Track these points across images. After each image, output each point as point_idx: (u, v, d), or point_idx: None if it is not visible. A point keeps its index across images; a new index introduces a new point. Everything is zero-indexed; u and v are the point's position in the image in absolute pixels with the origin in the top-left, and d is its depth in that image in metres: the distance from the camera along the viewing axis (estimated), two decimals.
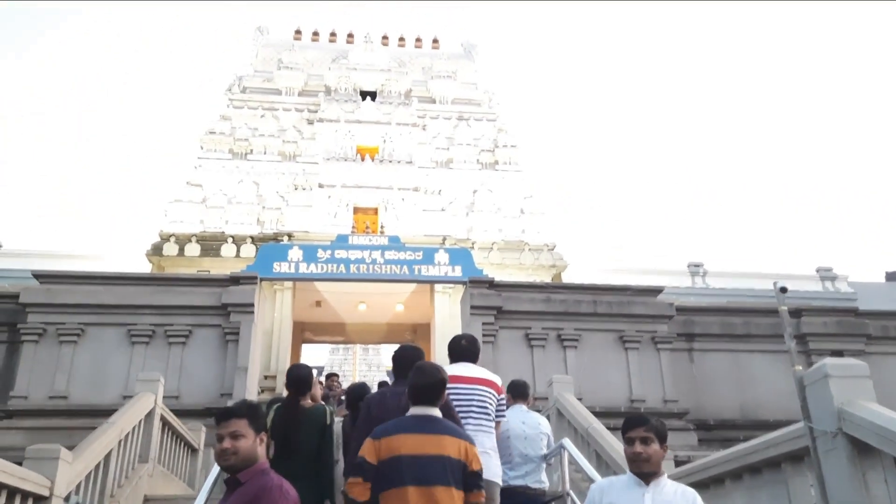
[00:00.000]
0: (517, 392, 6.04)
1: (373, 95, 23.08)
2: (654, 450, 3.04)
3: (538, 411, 7.49)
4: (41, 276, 11.41)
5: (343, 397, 7.51)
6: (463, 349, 4.82)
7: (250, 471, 2.75)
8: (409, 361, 3.99)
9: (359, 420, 4.06)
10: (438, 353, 15.48)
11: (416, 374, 3.57)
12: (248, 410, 2.86)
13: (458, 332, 13.27)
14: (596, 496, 3.10)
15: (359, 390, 5.60)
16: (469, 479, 3.31)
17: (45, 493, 4.95)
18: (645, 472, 3.02)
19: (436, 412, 3.48)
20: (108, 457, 6.40)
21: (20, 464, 4.80)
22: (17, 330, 10.91)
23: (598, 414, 8.16)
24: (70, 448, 5.53)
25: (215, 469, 5.38)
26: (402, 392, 3.76)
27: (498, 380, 4.77)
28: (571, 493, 5.78)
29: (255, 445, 2.80)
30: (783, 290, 3.73)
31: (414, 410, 3.48)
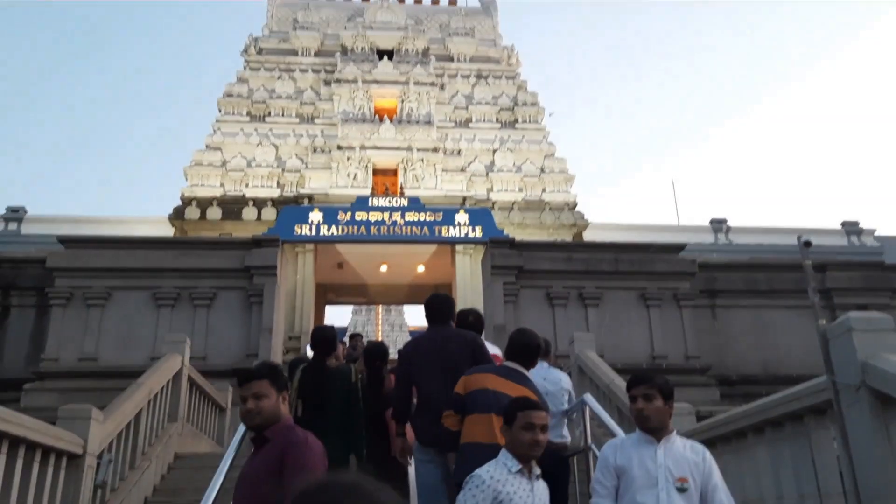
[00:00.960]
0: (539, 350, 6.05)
1: (390, 54, 22.85)
2: (656, 406, 3.04)
3: (560, 368, 7.54)
4: (67, 241, 11.58)
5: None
6: (470, 326, 4.72)
7: (275, 428, 2.83)
8: (441, 308, 4.39)
9: (397, 369, 4.46)
10: None
11: (517, 334, 4.02)
12: (268, 371, 2.94)
13: (480, 292, 13.35)
14: (609, 454, 3.13)
15: (376, 349, 5.64)
16: None
17: (79, 451, 5.09)
18: (648, 427, 3.03)
19: (526, 372, 3.88)
20: (138, 416, 6.55)
21: (53, 423, 4.94)
22: (46, 294, 11.12)
23: (619, 370, 8.19)
24: (101, 408, 5.67)
25: (242, 427, 5.49)
26: (435, 336, 4.11)
27: (499, 351, 4.76)
28: (593, 447, 5.83)
29: (278, 404, 2.88)
30: (807, 244, 3.69)
31: (507, 364, 3.91)
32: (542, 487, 3.04)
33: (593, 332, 10.80)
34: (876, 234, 21.74)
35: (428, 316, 4.46)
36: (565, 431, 5.82)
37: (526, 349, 3.92)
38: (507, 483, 2.91)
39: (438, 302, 4.44)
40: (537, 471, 3.05)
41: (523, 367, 3.91)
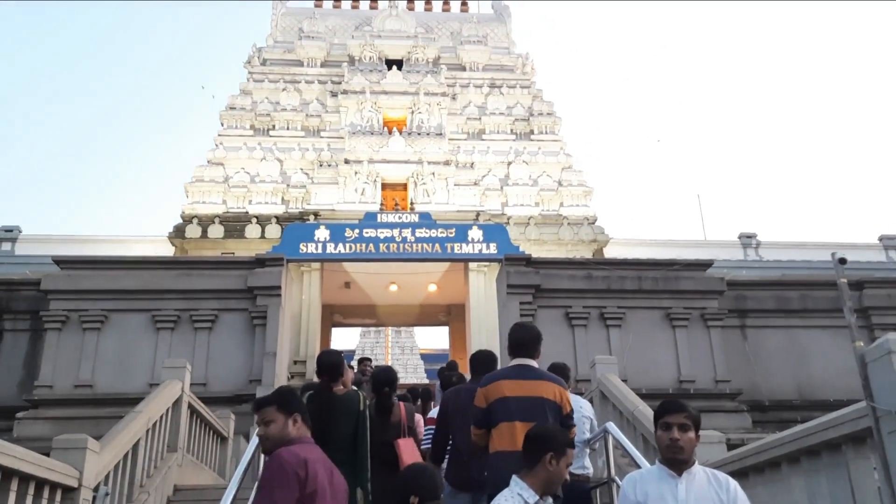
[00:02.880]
0: (557, 374, 6.03)
1: (399, 64, 23.00)
2: (689, 437, 3.03)
3: (580, 394, 7.49)
4: (62, 262, 11.67)
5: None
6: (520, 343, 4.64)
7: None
8: (485, 361, 5.00)
9: (438, 415, 5.06)
10: (474, 335, 15.54)
11: (515, 330, 4.49)
12: (275, 397, 3.26)
13: (495, 312, 13.31)
14: (629, 490, 3.10)
15: (384, 375, 5.60)
16: (564, 419, 4.15)
17: (74, 483, 5.09)
18: (679, 459, 3.01)
19: (532, 363, 4.33)
20: (136, 446, 6.55)
21: (47, 454, 4.94)
22: (40, 318, 11.20)
23: (644, 396, 8.13)
24: (97, 438, 5.67)
25: (245, 458, 5.49)
26: (474, 388, 4.47)
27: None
28: (616, 479, 5.78)
29: (286, 426, 3.17)
30: (842, 261, 3.66)
31: (514, 361, 4.33)
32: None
33: (616, 354, 10.76)
34: None
35: (472, 369, 5.10)
36: (587, 462, 5.79)
37: (528, 342, 4.39)
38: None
39: (483, 357, 5.09)
40: (549, 500, 3.13)
41: (530, 358, 4.35)
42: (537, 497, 2.99)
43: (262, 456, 5.07)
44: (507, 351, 4.47)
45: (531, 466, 3.17)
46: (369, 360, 11.47)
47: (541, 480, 3.08)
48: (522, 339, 4.41)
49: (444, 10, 26.24)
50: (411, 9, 25.44)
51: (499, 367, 4.98)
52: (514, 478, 3.15)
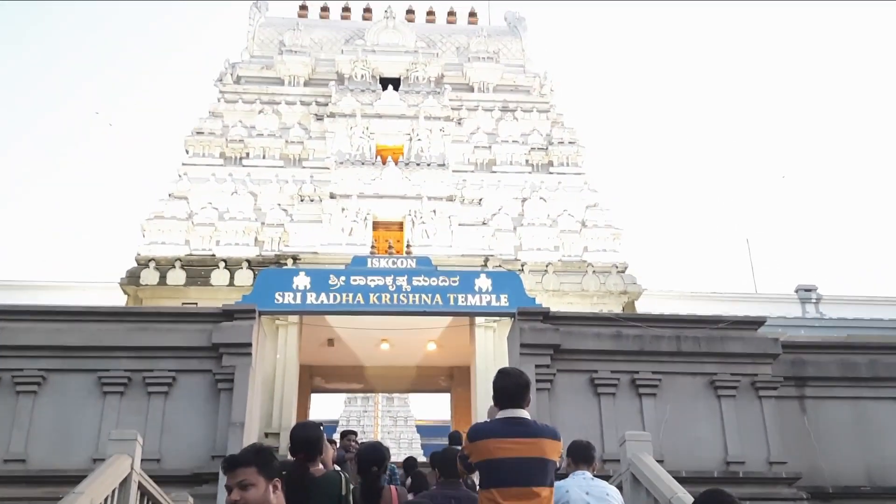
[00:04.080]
0: (579, 455, 6.01)
1: (396, 83, 23.28)
2: None
3: (607, 477, 7.41)
4: None
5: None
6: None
7: None
8: (453, 462, 5.05)
9: None
10: (480, 403, 15.44)
11: (500, 378, 4.64)
12: (255, 457, 3.23)
13: None
14: None
15: (371, 452, 5.57)
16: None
17: None
18: None
19: (524, 413, 4.51)
20: None
21: None
22: None
23: (684, 481, 8.03)
24: None
25: None
26: (453, 496, 4.80)
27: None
28: None
29: (267, 494, 3.17)
30: None
31: (503, 413, 4.50)
32: None
33: (650, 430, 10.65)
34: None
35: (441, 470, 5.32)
36: None
37: (516, 390, 4.57)
38: None
39: (451, 457, 5.18)
40: None
41: (519, 408, 4.54)
42: None
43: None
44: (493, 400, 4.67)
45: None
46: (354, 433, 11.38)
47: None
48: (509, 387, 4.57)
49: (448, 23, 26.65)
50: (411, 20, 25.84)
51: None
52: None
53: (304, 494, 4.70)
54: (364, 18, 26.05)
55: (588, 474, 5.94)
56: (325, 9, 26.56)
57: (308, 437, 4.89)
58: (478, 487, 4.43)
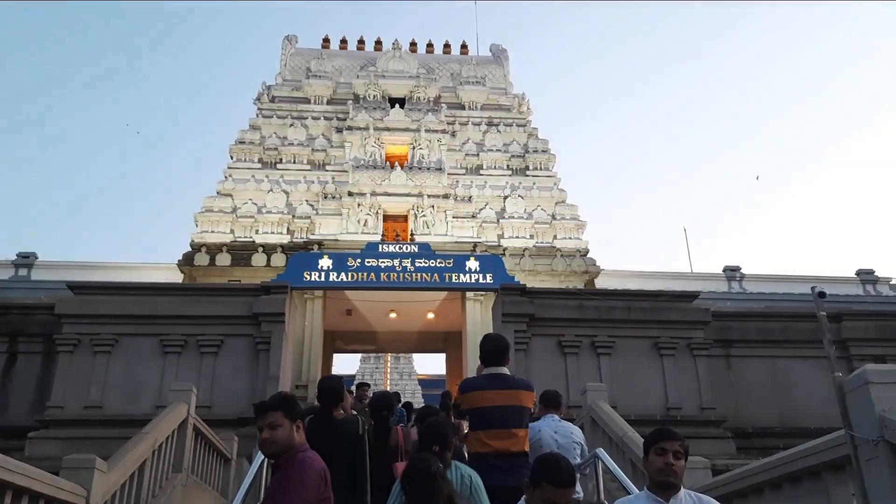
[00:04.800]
0: (549, 402, 6.04)
1: (402, 102, 23.18)
2: (682, 465, 3.04)
3: (571, 420, 7.45)
4: (75, 288, 11.66)
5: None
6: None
7: (287, 455, 3.12)
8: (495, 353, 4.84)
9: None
10: (470, 361, 15.48)
11: (486, 341, 4.73)
12: (281, 402, 3.22)
13: None
14: None
15: (382, 400, 5.59)
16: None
17: (81, 502, 5.05)
18: (671, 483, 3.01)
19: (505, 370, 4.61)
20: (142, 467, 6.50)
21: (57, 473, 4.91)
22: (53, 340, 11.16)
23: (633, 422, 8.09)
24: (105, 458, 5.63)
25: (248, 478, 5.45)
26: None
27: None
28: (606, 502, 5.74)
29: (292, 433, 3.16)
30: (821, 295, 3.69)
31: (488, 370, 4.60)
32: None
33: (606, 382, 10.73)
34: (892, 282, 21.56)
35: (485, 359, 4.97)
36: (578, 487, 5.73)
37: (499, 351, 4.65)
38: None
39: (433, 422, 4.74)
40: None
41: (501, 366, 4.62)
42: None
43: (268, 470, 5.05)
44: (480, 359, 4.74)
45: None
46: (368, 385, 11.41)
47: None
48: (492, 349, 4.66)
49: (444, 53, 26.52)
50: (414, 51, 25.71)
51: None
52: None
53: (329, 433, 4.73)
54: (375, 49, 25.93)
55: (556, 417, 5.98)
56: (343, 41, 26.41)
57: (331, 387, 4.91)
58: (467, 430, 4.56)
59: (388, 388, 40.68)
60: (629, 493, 4.46)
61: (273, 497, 3.09)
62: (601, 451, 5.85)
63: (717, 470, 6.24)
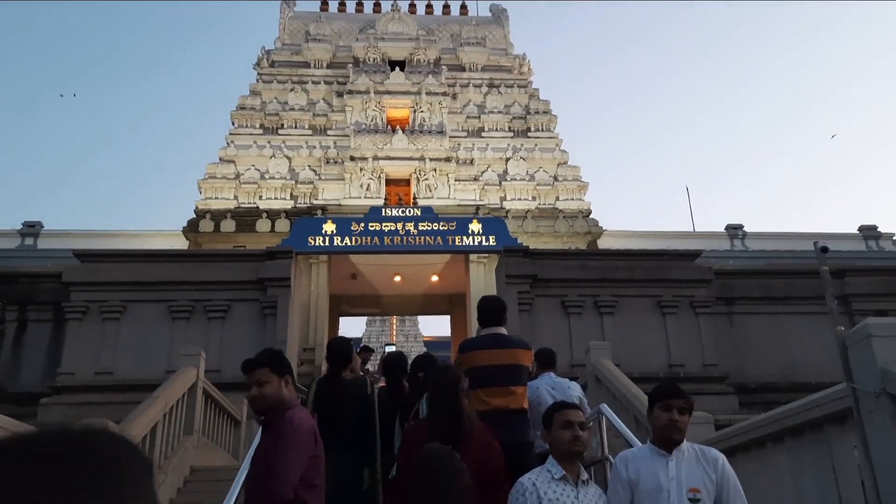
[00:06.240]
0: (544, 360, 6.10)
1: (402, 65, 22.94)
2: (686, 420, 3.06)
3: (575, 378, 7.51)
4: (82, 256, 11.69)
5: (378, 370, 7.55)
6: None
7: (277, 412, 3.07)
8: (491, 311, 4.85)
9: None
10: (474, 323, 15.54)
11: (484, 302, 4.77)
12: (267, 358, 3.19)
13: None
14: (621, 468, 3.12)
15: (394, 358, 5.64)
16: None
17: None
18: (675, 439, 3.03)
19: (503, 330, 4.62)
20: (154, 429, 6.59)
21: None
22: (62, 308, 11.22)
23: (636, 379, 8.16)
24: (117, 422, 5.70)
25: (258, 439, 5.50)
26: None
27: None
28: (610, 457, 5.80)
29: (280, 389, 3.10)
30: (824, 250, 3.66)
31: (486, 330, 4.62)
32: (593, 493, 3.05)
33: (609, 340, 10.75)
34: (894, 238, 21.54)
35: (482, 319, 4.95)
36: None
37: (497, 311, 4.67)
38: (549, 489, 2.97)
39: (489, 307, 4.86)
40: (584, 475, 3.08)
41: (499, 326, 4.62)
42: (562, 472, 3.01)
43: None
44: (478, 320, 4.76)
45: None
46: (371, 350, 11.47)
47: (553, 452, 3.11)
48: (492, 310, 4.68)
49: (444, 14, 26.15)
50: (413, 12, 25.35)
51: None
52: (549, 456, 3.15)
53: (338, 393, 4.77)
54: (374, 11, 25.57)
55: (553, 374, 6.04)
56: (342, 3, 26.01)
57: (340, 348, 4.94)
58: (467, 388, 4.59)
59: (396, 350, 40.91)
60: (632, 448, 4.51)
61: (264, 456, 3.05)
62: (605, 407, 5.89)
63: (720, 425, 6.30)
